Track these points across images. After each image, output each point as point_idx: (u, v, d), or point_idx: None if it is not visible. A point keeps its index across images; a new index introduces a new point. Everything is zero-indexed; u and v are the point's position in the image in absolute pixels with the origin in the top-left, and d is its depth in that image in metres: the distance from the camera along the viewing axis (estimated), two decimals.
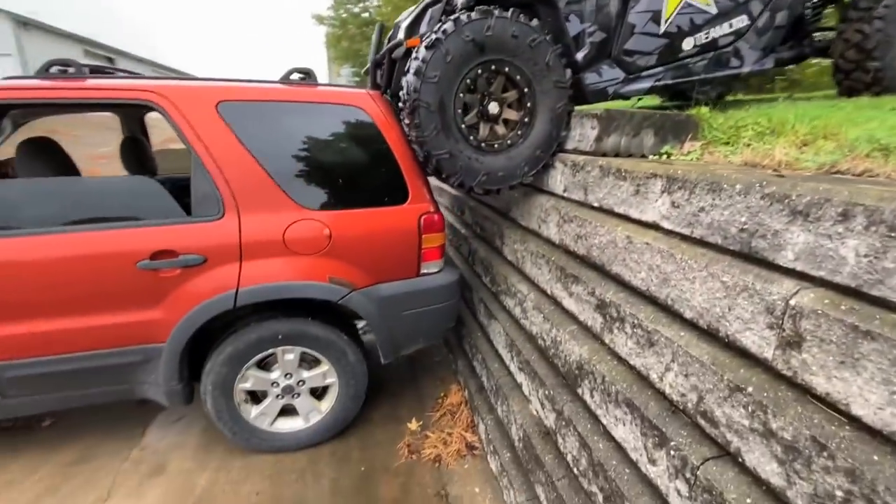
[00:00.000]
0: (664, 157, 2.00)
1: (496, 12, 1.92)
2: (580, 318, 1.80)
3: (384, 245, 2.15)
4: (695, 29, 2.40)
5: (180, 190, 2.03)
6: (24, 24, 16.43)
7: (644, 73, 2.42)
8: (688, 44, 2.41)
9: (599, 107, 2.16)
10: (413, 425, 2.47)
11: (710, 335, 1.23)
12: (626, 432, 1.39)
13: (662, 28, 2.36)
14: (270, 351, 2.11)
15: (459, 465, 2.21)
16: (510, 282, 2.38)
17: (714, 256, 1.23)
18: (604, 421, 1.52)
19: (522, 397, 2.08)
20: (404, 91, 1.99)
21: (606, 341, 1.61)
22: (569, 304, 1.89)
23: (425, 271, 2.28)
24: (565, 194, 2.10)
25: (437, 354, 3.25)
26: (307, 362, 2.23)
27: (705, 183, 1.28)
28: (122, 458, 2.24)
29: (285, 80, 2.13)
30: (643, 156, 2.04)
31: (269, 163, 1.97)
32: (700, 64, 2.47)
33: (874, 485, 0.78)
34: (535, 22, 2.00)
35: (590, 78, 2.33)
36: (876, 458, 0.81)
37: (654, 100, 4.28)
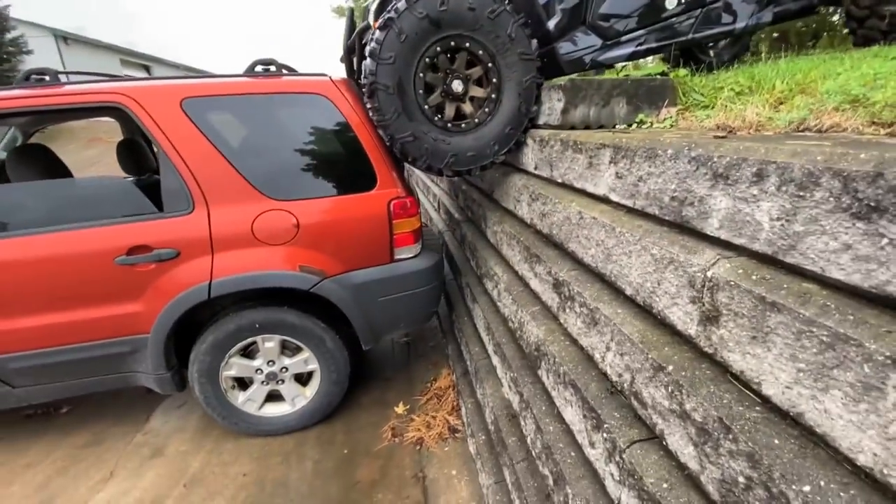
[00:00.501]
0: (638, 125, 1.89)
1: None
2: (542, 299, 1.75)
3: (354, 232, 2.15)
4: None
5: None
6: (64, 38, 17.44)
7: (624, 39, 2.27)
8: (671, 2, 2.24)
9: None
10: (400, 409, 2.50)
11: (645, 312, 1.16)
12: (573, 414, 1.34)
13: None
14: (251, 339, 2.18)
15: (440, 448, 2.21)
16: (489, 264, 2.34)
17: (648, 228, 1.15)
18: (557, 403, 1.47)
19: (496, 380, 2.06)
20: (363, 74, 1.96)
21: (561, 321, 1.56)
22: (535, 284, 1.83)
23: (399, 256, 2.27)
24: (535, 171, 2.02)
25: (432, 339, 3.25)
26: (290, 350, 2.29)
27: (643, 150, 1.20)
28: (127, 442, 2.39)
29: (249, 72, 2.14)
30: (615, 125, 1.93)
31: (235, 156, 2.00)
32: (687, 23, 2.29)
33: (770, 471, 0.72)
34: None
35: (564, 47, 2.21)
36: (777, 441, 0.74)
37: (660, 66, 4.03)
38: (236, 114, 2.04)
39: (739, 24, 2.33)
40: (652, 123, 1.88)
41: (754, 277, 0.82)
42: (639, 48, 2.29)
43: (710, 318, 0.91)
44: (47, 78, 1.98)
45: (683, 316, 0.99)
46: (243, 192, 2.00)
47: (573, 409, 1.34)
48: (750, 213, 0.86)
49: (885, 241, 0.64)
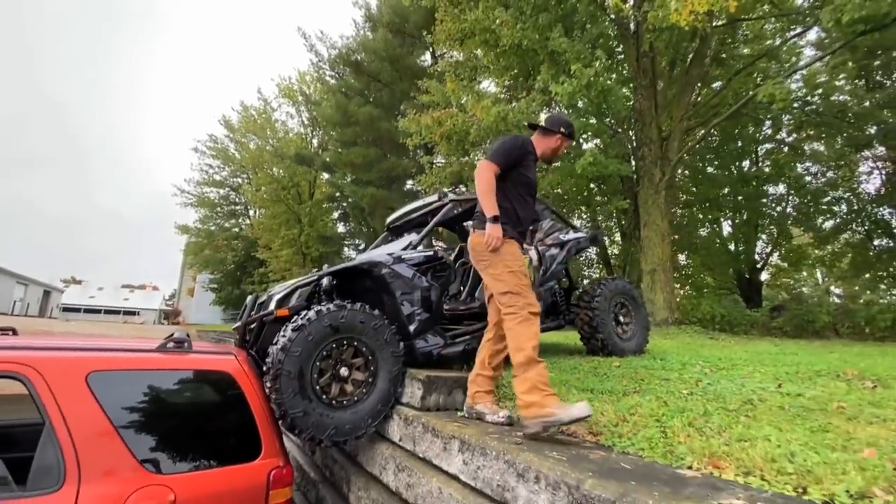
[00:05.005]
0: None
1: (349, 306, 2.70)
2: None
3: None
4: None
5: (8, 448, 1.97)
6: None
7: (458, 340, 3.37)
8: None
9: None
10: None
11: None
12: None
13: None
14: None
15: None
16: None
17: None
18: None
19: None
20: (270, 359, 2.48)
21: None
22: None
23: None
24: (400, 443, 2.58)
25: None
26: None
27: (479, 447, 1.92)
28: None
29: (161, 348, 2.45)
30: (457, 409, 2.73)
31: (129, 430, 2.09)
32: None
33: None
34: (376, 311, 2.82)
35: (419, 344, 3.14)
36: None
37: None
38: (142, 388, 2.24)
39: None
40: None
41: None
42: (467, 348, 3.39)
43: None
44: None
45: None
46: (125, 466, 2.03)
47: None
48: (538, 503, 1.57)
49: None
